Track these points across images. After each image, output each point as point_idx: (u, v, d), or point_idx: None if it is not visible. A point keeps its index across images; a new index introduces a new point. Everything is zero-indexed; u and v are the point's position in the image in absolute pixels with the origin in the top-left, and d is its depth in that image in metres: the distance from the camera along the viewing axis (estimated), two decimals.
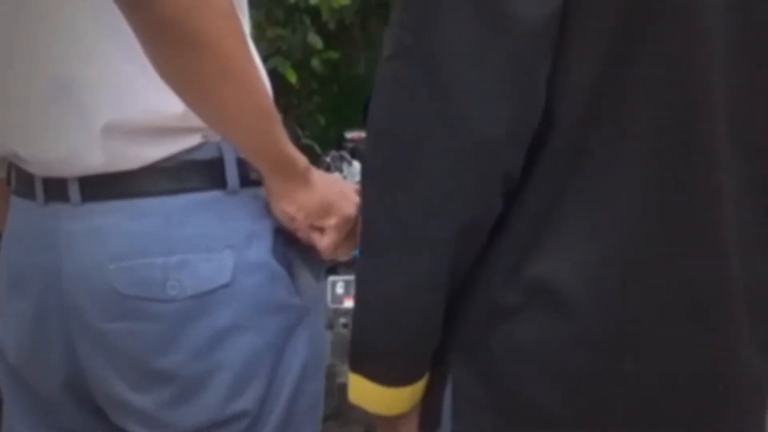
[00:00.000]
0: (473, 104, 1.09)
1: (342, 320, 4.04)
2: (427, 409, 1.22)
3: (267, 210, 1.40)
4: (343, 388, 4.61)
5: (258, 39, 5.01)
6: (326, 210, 1.41)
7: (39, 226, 1.39)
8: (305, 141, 5.04)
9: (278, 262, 1.39)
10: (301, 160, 1.38)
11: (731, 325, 1.18)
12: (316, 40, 5.07)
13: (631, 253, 1.13)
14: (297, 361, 1.42)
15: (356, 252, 1.29)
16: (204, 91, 1.26)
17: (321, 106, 5.92)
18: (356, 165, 4.49)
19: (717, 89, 1.14)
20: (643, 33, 1.11)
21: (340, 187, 1.44)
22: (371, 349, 1.19)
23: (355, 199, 1.42)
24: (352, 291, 4.30)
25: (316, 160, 4.80)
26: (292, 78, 4.94)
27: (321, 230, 1.43)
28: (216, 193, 1.36)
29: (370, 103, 1.17)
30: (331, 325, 4.09)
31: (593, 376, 1.13)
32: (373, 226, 1.15)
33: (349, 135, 4.68)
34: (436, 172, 1.10)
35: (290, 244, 1.42)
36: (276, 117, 1.33)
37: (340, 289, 4.05)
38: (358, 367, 1.21)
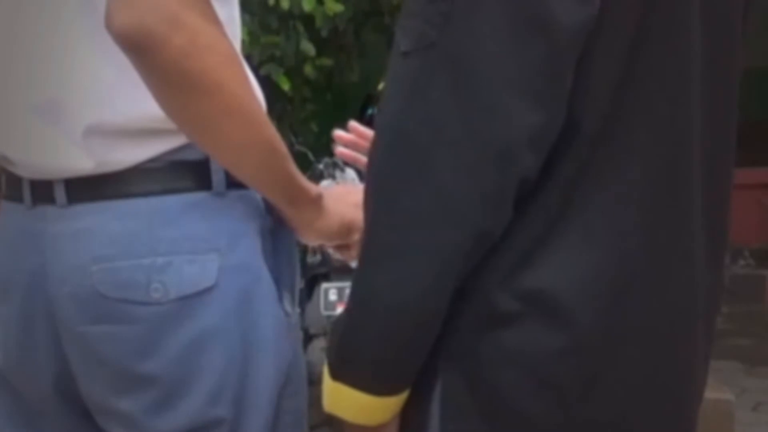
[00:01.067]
0: (500, 108, 1.06)
1: None
2: (412, 416, 1.20)
3: (255, 211, 1.39)
4: None
5: (252, 46, 5.02)
6: (347, 229, 1.43)
7: (26, 229, 1.39)
8: (298, 148, 5.04)
9: (265, 266, 1.39)
10: (312, 188, 1.38)
11: (694, 337, 1.21)
12: (309, 47, 5.07)
13: (623, 266, 1.13)
14: (279, 371, 1.40)
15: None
16: (212, 132, 1.27)
17: (314, 113, 5.91)
18: (349, 171, 4.50)
19: (697, 117, 1.17)
20: (648, 58, 1.11)
21: (353, 200, 1.43)
22: (365, 357, 1.16)
23: None
24: (345, 298, 4.34)
25: (309, 166, 4.80)
26: (286, 85, 4.94)
27: (348, 246, 1.45)
28: (202, 195, 1.35)
29: (380, 100, 1.13)
30: (324, 332, 4.09)
31: (581, 384, 1.13)
32: (379, 230, 1.12)
33: None
34: (453, 176, 1.07)
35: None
36: (284, 152, 1.33)
37: (333, 296, 4.05)
38: (342, 376, 1.18)
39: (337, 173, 4.53)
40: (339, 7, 4.84)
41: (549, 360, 1.12)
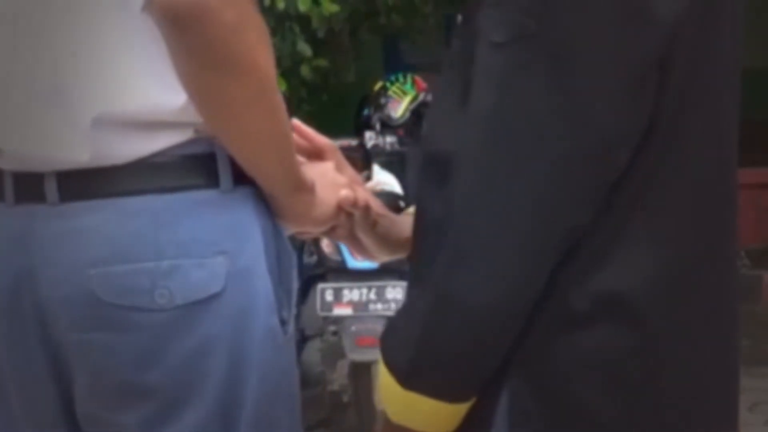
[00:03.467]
0: (598, 101, 1.04)
1: (331, 328, 4.03)
2: (474, 423, 1.15)
3: (261, 210, 1.33)
4: (333, 396, 4.60)
5: None
6: (337, 212, 1.38)
7: (8, 229, 1.31)
8: None
9: (271, 270, 1.33)
10: (308, 176, 1.34)
11: (738, 334, 1.23)
12: (305, 48, 5.06)
13: (687, 266, 1.13)
14: (269, 381, 1.33)
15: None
16: (237, 115, 1.23)
17: (310, 113, 5.91)
18: None
19: (732, 119, 1.17)
20: (705, 59, 1.11)
21: (330, 179, 1.39)
22: (450, 362, 1.11)
23: (340, 179, 1.40)
24: (342, 298, 4.34)
25: None
26: (282, 86, 4.93)
27: (333, 227, 1.41)
28: (209, 193, 1.29)
29: (471, 91, 1.09)
30: (320, 333, 4.08)
31: (652, 384, 1.12)
32: (470, 226, 1.08)
33: (338, 143, 4.67)
34: (550, 170, 1.05)
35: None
36: (293, 142, 1.30)
37: (329, 297, 4.04)
38: (418, 384, 1.13)
39: None
40: (335, 8, 4.83)
41: (619, 359, 1.10)
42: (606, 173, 1.07)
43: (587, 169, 1.06)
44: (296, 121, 1.45)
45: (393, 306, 3.92)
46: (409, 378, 1.13)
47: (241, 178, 1.30)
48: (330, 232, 1.44)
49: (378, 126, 4.72)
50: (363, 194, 1.41)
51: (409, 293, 1.19)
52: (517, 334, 1.10)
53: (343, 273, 3.90)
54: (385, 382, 1.16)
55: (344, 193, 1.38)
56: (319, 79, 5.62)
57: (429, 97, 4.88)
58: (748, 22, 1.20)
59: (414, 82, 4.87)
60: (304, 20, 5.01)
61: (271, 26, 4.99)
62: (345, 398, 3.91)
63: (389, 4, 6.13)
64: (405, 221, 1.40)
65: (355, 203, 1.38)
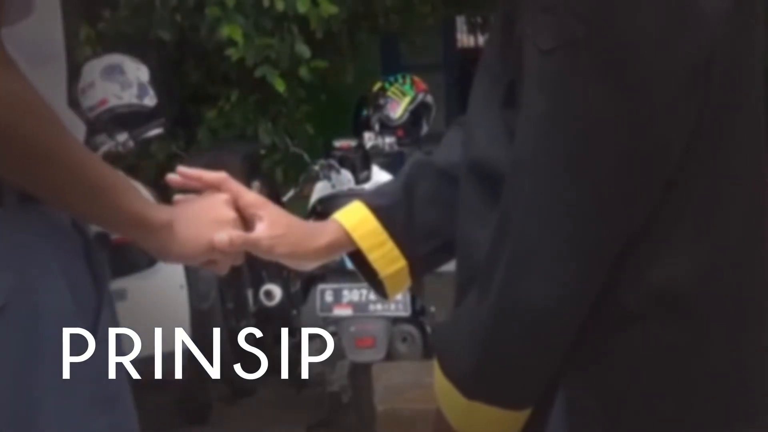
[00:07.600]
0: (651, 102, 1.05)
1: (331, 328, 4.04)
2: (529, 425, 1.15)
3: (54, 228, 1.32)
4: (333, 397, 4.59)
5: (246, 48, 5.01)
6: (209, 248, 1.39)
7: None
8: (293, 149, 5.03)
9: (71, 283, 1.31)
10: (160, 215, 1.35)
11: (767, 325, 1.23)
12: (303, 49, 5.07)
13: (734, 259, 1.13)
14: (74, 393, 1.30)
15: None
16: (31, 181, 1.25)
17: (309, 114, 5.92)
18: (344, 173, 4.49)
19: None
20: (746, 59, 1.12)
21: (212, 217, 1.41)
22: (516, 368, 1.12)
23: (231, 215, 1.41)
24: (341, 299, 4.31)
25: (304, 168, 4.79)
26: (280, 87, 4.95)
27: (214, 261, 1.42)
28: None
29: (525, 98, 1.08)
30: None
31: (708, 377, 1.12)
32: (527, 230, 1.08)
33: (338, 143, 4.68)
34: (608, 173, 1.06)
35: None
36: (116, 186, 1.30)
37: (329, 297, 4.04)
38: (483, 393, 1.13)
39: (333, 174, 4.52)
40: (333, 9, 4.85)
41: (676, 355, 1.11)
42: (660, 172, 1.07)
43: (643, 169, 1.06)
44: (181, 168, 1.47)
45: (392, 307, 3.92)
46: (473, 388, 1.13)
47: (30, 197, 1.30)
48: (209, 264, 1.43)
49: (377, 127, 4.72)
50: (240, 237, 1.40)
51: (466, 304, 1.17)
52: (575, 332, 1.10)
53: (343, 273, 3.89)
54: (445, 391, 1.16)
55: (217, 238, 1.38)
56: (317, 80, 5.63)
57: (428, 98, 4.89)
58: None
59: (413, 83, 4.87)
60: (302, 21, 5.02)
61: (269, 27, 5.02)
62: (344, 399, 3.91)
63: (387, 5, 6.14)
64: (319, 229, 1.41)
65: (230, 245, 1.38)
